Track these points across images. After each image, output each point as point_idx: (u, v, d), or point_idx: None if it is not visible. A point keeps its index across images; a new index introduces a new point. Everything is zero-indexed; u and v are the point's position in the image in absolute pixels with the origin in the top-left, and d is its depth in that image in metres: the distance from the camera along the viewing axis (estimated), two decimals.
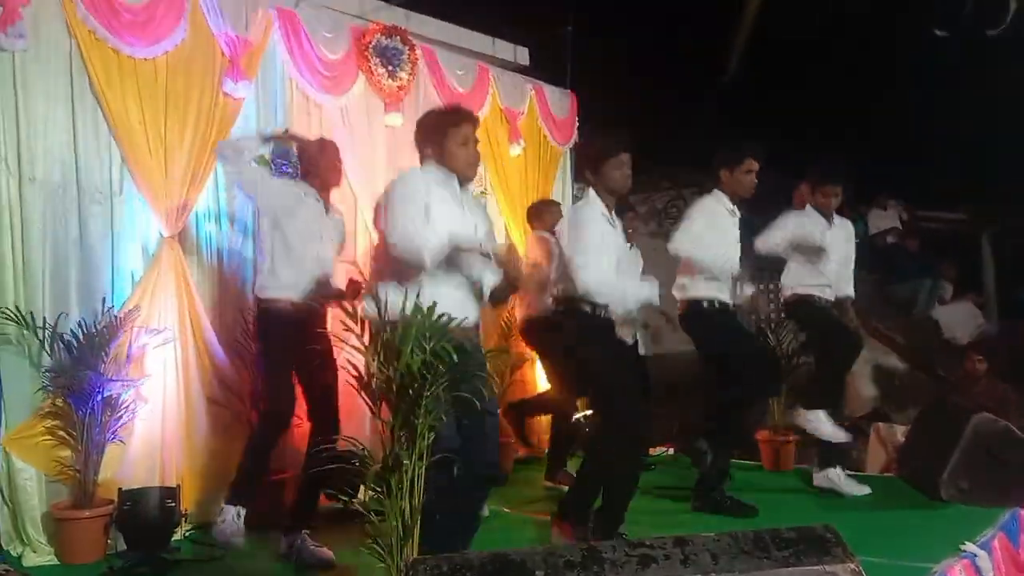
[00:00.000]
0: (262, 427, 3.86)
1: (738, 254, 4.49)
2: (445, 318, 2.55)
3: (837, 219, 5.08)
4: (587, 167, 3.89)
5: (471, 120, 3.25)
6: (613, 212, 3.85)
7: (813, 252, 4.78)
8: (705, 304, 4.39)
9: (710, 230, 4.39)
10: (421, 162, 3.22)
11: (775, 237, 4.79)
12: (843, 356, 4.92)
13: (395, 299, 2.81)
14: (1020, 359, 7.86)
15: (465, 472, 2.77)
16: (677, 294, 4.49)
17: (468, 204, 3.24)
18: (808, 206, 5.03)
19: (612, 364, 3.75)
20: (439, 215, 3.00)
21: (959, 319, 9.22)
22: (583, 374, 3.90)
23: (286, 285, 3.74)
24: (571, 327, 3.79)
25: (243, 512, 3.62)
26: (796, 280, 4.95)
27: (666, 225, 7.34)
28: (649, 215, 8.09)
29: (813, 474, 4.93)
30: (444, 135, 3.15)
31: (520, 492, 4.98)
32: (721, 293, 4.40)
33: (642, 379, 5.13)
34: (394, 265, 2.98)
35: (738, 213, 4.51)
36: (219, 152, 3.95)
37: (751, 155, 4.46)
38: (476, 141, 3.24)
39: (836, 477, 4.80)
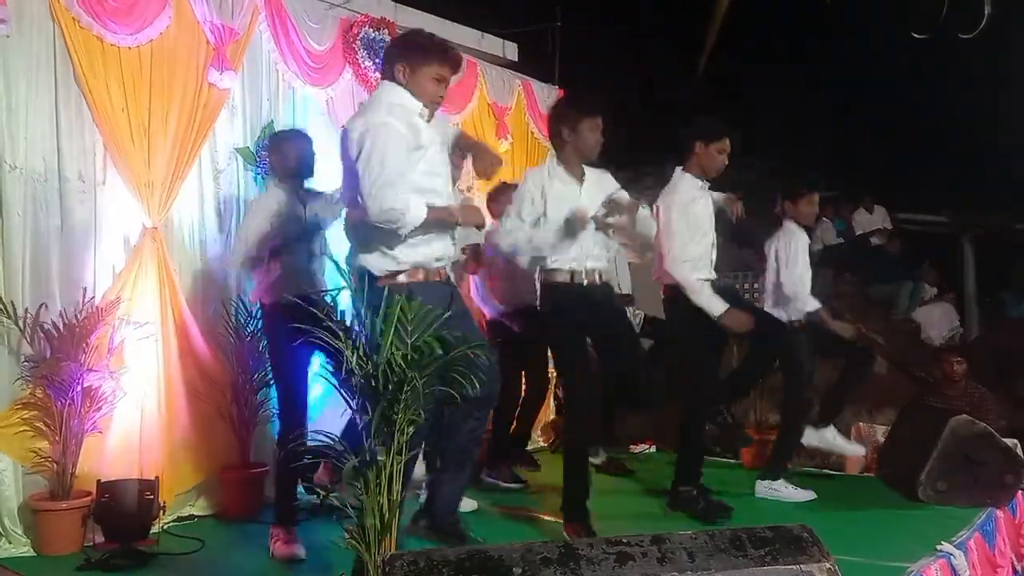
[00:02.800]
0: None
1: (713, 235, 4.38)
2: (428, 312, 2.54)
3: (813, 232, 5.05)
4: (564, 124, 3.80)
5: (455, 61, 3.22)
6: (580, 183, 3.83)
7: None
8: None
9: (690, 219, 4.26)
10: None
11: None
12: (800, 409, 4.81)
13: (381, 263, 2.81)
14: (999, 361, 7.95)
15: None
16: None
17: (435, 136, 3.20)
18: (791, 223, 4.92)
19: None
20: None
21: (935, 320, 9.31)
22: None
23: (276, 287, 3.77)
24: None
25: None
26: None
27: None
28: None
29: (755, 484, 4.75)
30: (421, 64, 3.11)
31: (500, 487, 4.98)
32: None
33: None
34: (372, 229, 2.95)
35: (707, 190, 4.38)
36: None
37: (728, 135, 4.31)
38: (447, 85, 3.21)
39: (780, 485, 4.69)
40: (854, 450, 4.90)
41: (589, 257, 3.77)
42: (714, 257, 4.38)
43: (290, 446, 3.34)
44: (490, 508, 4.48)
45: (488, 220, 4.78)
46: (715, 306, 4.12)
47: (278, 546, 3.65)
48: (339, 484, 2.85)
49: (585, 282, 3.76)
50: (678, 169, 4.39)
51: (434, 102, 3.15)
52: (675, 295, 4.24)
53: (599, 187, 3.86)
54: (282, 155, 3.97)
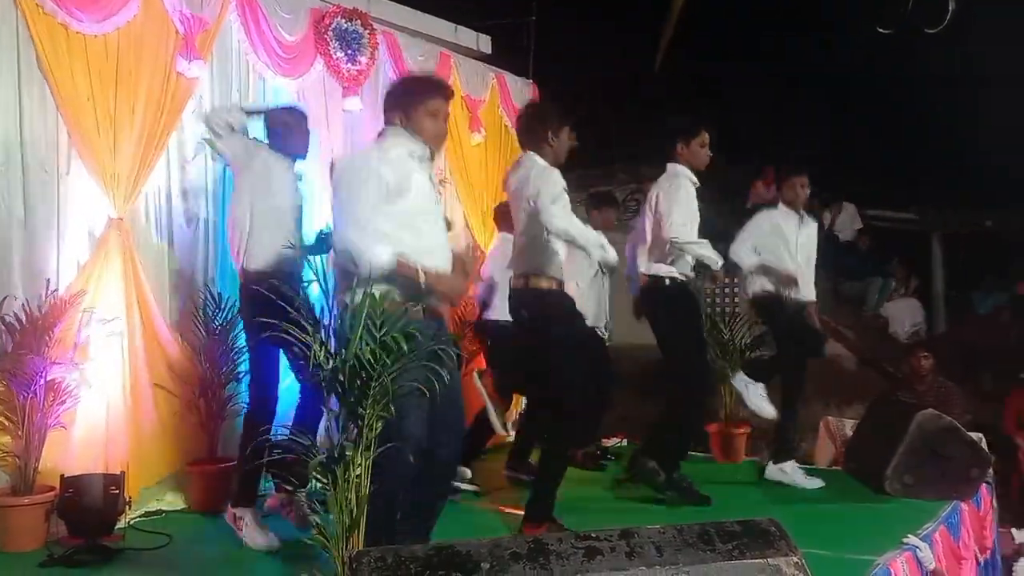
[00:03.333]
0: None
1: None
2: (400, 307, 2.52)
3: (806, 216, 5.07)
4: (548, 128, 3.78)
5: (445, 92, 3.14)
6: None
7: (784, 279, 4.84)
8: (667, 281, 4.35)
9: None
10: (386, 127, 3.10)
11: (746, 255, 4.86)
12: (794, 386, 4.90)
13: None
14: (966, 357, 8.07)
15: (426, 464, 2.73)
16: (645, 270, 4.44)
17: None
18: (780, 204, 5.00)
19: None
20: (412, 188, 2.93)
21: (901, 315, 9.43)
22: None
23: (267, 258, 3.74)
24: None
25: None
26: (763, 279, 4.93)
27: (625, 217, 7.34)
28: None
29: (766, 467, 4.93)
30: (413, 103, 3.03)
31: (479, 481, 4.96)
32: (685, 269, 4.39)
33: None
34: None
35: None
36: (207, 122, 3.92)
37: (705, 127, 4.39)
38: (447, 116, 3.14)
39: (791, 470, 4.83)
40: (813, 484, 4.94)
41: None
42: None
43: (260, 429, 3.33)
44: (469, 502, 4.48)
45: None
46: (715, 257, 4.23)
47: (250, 534, 3.60)
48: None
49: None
50: (671, 164, 4.44)
51: (437, 138, 3.10)
52: (658, 284, 4.33)
53: None
54: (293, 131, 3.98)
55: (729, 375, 5.44)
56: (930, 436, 4.53)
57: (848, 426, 5.89)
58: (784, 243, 4.92)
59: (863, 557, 3.43)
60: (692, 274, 4.38)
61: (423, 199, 2.98)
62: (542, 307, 3.73)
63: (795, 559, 2.23)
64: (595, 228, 5.03)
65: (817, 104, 10.29)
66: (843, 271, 9.94)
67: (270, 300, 2.85)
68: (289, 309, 2.64)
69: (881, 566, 3.35)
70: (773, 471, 4.87)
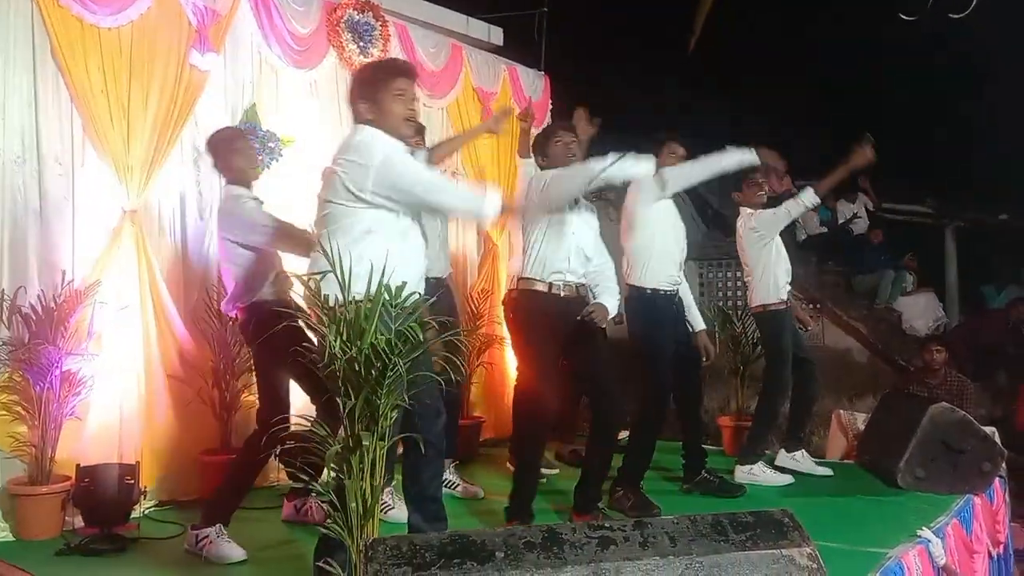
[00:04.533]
0: None
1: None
2: (415, 296, 2.52)
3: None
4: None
5: (407, 71, 2.97)
6: None
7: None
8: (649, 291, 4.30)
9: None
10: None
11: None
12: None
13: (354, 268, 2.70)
14: (978, 351, 8.02)
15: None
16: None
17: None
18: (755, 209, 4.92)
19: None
20: None
21: (919, 310, 9.36)
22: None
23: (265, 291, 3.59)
24: None
25: None
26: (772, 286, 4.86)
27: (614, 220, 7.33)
28: (619, 200, 8.08)
29: (735, 469, 4.80)
30: (378, 90, 2.86)
31: (485, 473, 4.98)
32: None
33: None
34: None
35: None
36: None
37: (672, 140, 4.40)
38: (414, 97, 2.95)
39: (759, 471, 4.77)
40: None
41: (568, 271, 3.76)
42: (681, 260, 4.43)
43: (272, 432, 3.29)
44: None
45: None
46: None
47: (215, 547, 3.40)
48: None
49: (563, 294, 3.73)
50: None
51: (409, 121, 2.92)
52: (637, 294, 4.30)
53: None
54: (245, 157, 3.74)
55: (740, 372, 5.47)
56: (943, 429, 4.51)
57: (860, 419, 5.88)
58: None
59: (875, 550, 3.42)
60: (675, 288, 4.35)
61: None
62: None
63: (808, 550, 2.23)
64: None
65: (831, 96, 10.23)
66: (855, 264, 9.89)
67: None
68: (303, 303, 2.64)
69: (893, 559, 3.34)
70: (740, 473, 4.75)
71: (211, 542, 3.40)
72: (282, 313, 3.15)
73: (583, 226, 3.81)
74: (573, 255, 3.74)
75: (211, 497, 3.64)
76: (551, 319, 3.70)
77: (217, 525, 3.44)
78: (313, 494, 3.55)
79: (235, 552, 3.40)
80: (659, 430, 4.36)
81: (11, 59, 3.84)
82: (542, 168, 3.87)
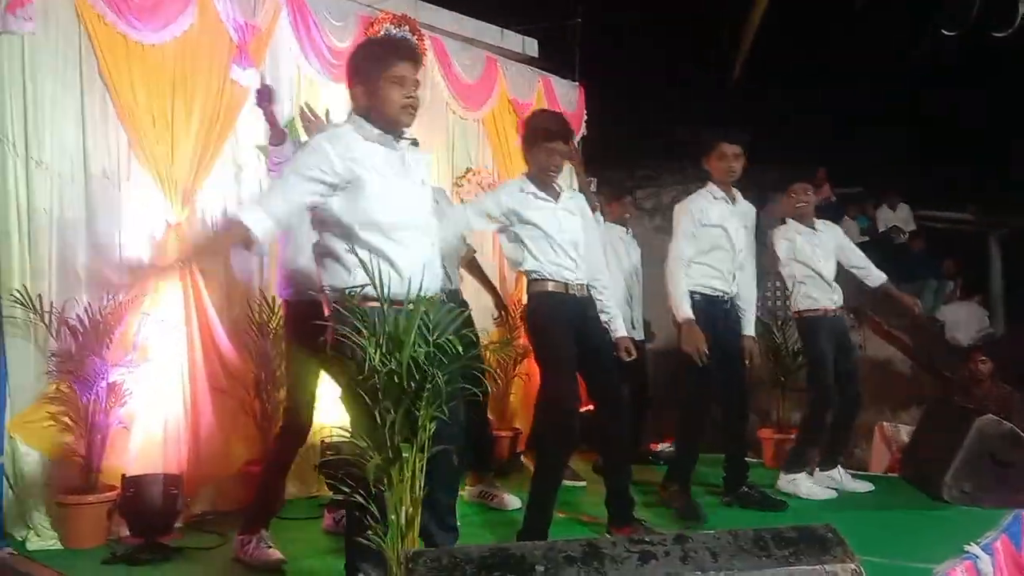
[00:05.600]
0: None
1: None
2: (454, 310, 2.54)
3: (820, 223, 4.99)
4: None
5: (410, 54, 2.75)
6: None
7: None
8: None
9: None
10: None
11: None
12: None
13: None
14: None
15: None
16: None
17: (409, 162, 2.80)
18: (789, 219, 4.93)
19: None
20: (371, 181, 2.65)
21: (963, 320, 9.19)
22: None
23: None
24: None
25: None
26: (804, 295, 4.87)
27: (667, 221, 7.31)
28: (655, 210, 8.06)
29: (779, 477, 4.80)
30: (372, 72, 2.68)
31: (524, 483, 4.97)
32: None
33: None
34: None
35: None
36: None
37: (737, 141, 4.37)
38: (416, 83, 2.74)
39: (802, 481, 4.72)
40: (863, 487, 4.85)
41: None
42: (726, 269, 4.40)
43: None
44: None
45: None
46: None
47: (257, 552, 3.46)
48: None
49: (578, 294, 3.71)
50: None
51: (406, 110, 2.71)
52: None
53: None
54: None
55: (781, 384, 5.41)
56: (990, 442, 4.42)
57: (903, 432, 5.79)
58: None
59: (921, 566, 3.36)
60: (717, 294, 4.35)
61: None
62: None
63: (852, 566, 2.20)
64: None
65: (873, 107, 10.10)
66: (897, 273, 9.74)
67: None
68: (343, 312, 2.66)
69: (940, 575, 3.27)
70: (782, 481, 4.75)
71: (254, 547, 3.47)
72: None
73: (568, 219, 3.73)
74: (569, 249, 3.69)
75: (249, 504, 3.71)
76: (564, 317, 3.64)
77: (260, 531, 3.51)
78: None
79: (274, 556, 3.45)
80: (701, 425, 4.38)
81: (59, 77, 3.93)
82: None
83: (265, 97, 3.85)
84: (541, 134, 3.70)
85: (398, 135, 2.77)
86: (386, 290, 2.48)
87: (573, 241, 3.70)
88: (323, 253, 2.76)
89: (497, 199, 3.73)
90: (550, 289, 3.65)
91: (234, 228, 2.80)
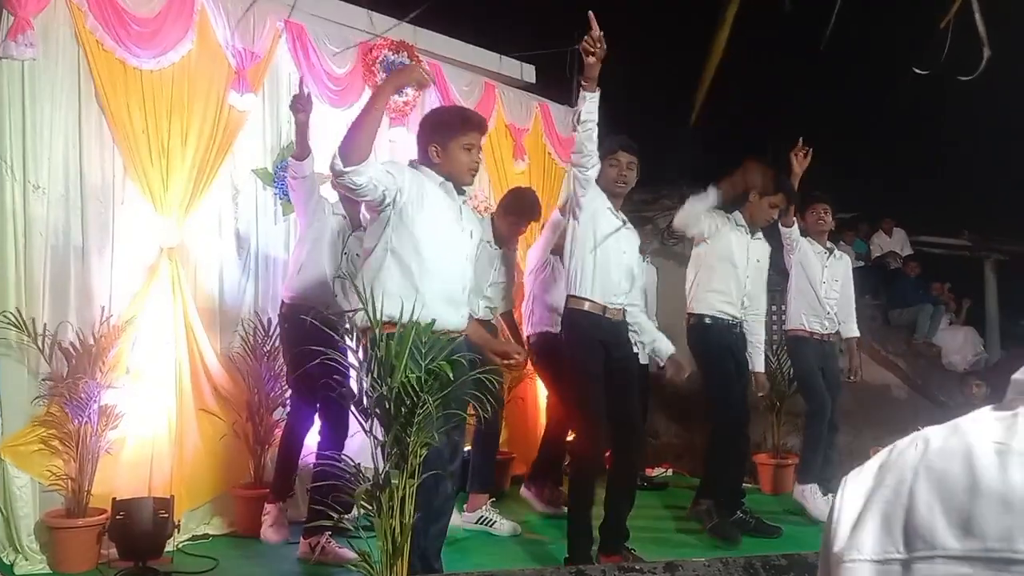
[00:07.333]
0: None
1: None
2: (444, 335, 2.55)
3: (837, 251, 5.10)
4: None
5: (481, 127, 3.18)
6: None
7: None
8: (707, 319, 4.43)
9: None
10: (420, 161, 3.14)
11: None
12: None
13: (388, 308, 2.72)
14: None
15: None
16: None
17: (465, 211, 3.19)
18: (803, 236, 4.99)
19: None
20: (433, 211, 2.97)
21: (958, 345, 9.18)
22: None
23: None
24: None
25: None
26: (796, 313, 4.97)
27: (669, 244, 7.33)
28: (652, 234, 8.07)
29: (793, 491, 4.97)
30: (448, 137, 3.06)
31: (518, 508, 4.95)
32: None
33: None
34: (384, 268, 2.89)
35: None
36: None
37: (782, 190, 4.56)
38: (480, 149, 3.17)
39: (811, 495, 4.80)
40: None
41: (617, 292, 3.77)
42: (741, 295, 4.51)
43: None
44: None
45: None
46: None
47: (330, 548, 3.76)
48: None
49: (612, 317, 3.72)
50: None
51: (471, 171, 3.12)
52: (698, 323, 4.46)
53: None
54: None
55: (776, 408, 5.43)
56: None
57: None
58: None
59: None
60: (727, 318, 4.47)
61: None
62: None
63: None
64: None
65: (863, 128, 10.16)
66: (893, 298, 9.75)
67: (315, 329, 2.90)
68: (335, 336, 2.68)
69: None
70: (796, 492, 4.90)
71: (326, 543, 3.75)
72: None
73: (630, 245, 3.84)
74: (624, 275, 3.75)
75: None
76: (598, 341, 3.66)
77: (326, 534, 3.73)
78: (329, 533, 3.61)
79: (350, 555, 3.44)
80: (733, 442, 4.45)
81: (57, 102, 3.95)
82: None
83: (303, 106, 3.91)
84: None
85: (460, 190, 3.11)
86: (407, 316, 2.53)
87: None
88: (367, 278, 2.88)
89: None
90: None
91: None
